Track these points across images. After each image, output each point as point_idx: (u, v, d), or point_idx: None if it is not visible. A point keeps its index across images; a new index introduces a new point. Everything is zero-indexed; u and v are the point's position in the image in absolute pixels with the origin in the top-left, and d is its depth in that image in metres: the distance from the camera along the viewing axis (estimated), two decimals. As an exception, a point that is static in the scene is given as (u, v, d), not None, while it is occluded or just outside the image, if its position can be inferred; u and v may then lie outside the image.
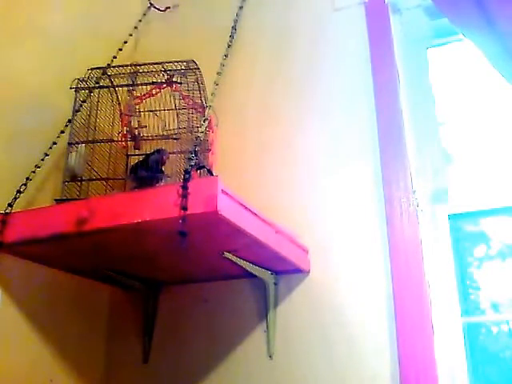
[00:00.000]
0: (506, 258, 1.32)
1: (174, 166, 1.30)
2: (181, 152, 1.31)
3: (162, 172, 1.28)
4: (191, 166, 1.02)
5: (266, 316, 1.29)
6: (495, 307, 1.30)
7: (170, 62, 1.33)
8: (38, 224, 1.09)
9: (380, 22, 1.47)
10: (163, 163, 1.27)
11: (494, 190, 1.35)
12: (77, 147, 1.30)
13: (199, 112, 1.35)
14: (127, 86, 1.36)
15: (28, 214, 1.14)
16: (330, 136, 1.42)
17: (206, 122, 1.22)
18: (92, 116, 1.35)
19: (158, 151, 1.27)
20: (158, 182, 1.25)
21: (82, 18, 1.59)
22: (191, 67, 1.33)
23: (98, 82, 1.35)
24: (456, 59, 1.55)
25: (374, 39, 1.46)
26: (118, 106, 1.40)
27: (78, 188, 1.28)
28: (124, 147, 1.40)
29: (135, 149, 1.37)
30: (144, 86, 1.34)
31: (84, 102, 1.33)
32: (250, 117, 1.55)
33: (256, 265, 1.24)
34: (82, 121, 1.34)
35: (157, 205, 0.98)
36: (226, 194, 0.96)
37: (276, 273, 1.31)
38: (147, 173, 1.24)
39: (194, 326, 1.38)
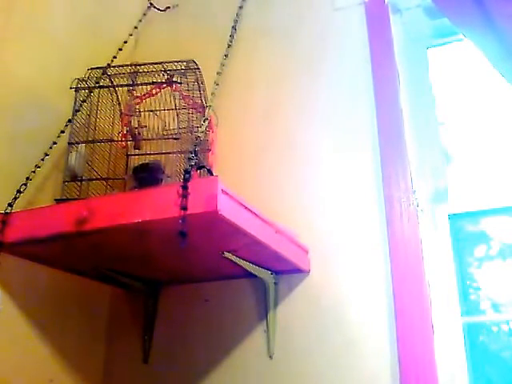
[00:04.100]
0: (506, 258, 1.32)
1: (174, 165, 1.30)
2: (181, 152, 1.31)
3: (163, 172, 1.28)
4: (191, 165, 1.01)
5: (266, 316, 1.29)
6: (495, 307, 1.30)
7: (170, 62, 1.33)
8: (38, 224, 1.09)
9: (380, 22, 1.47)
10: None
11: (494, 190, 1.35)
12: (77, 147, 1.30)
13: (199, 112, 1.35)
14: (127, 85, 1.36)
15: (28, 213, 1.14)
16: (330, 136, 1.42)
17: (206, 122, 1.22)
18: (92, 116, 1.35)
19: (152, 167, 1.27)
20: (157, 183, 1.25)
21: (82, 17, 1.59)
22: (191, 67, 1.33)
23: (98, 82, 1.35)
24: (456, 59, 1.55)
25: (373, 39, 1.46)
26: (117, 106, 1.40)
27: (78, 188, 1.28)
28: (124, 147, 1.40)
29: (135, 149, 1.36)
30: (144, 86, 1.34)
31: (84, 101, 1.33)
32: (249, 117, 1.55)
33: (256, 265, 1.24)
34: (82, 121, 1.34)
35: (157, 205, 0.98)
36: (226, 193, 0.96)
37: (276, 273, 1.31)
38: (148, 173, 1.24)
39: (194, 326, 1.38)
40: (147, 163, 1.28)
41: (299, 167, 1.42)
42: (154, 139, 1.35)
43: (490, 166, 1.40)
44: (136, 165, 1.32)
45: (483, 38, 1.16)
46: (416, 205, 1.25)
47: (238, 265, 1.19)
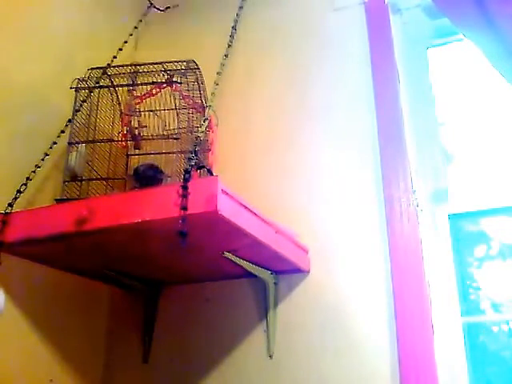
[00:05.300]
0: (506, 258, 1.32)
1: (174, 165, 1.30)
2: (181, 152, 1.31)
3: (163, 172, 1.28)
4: (191, 165, 1.02)
5: (266, 316, 1.29)
6: (495, 307, 1.30)
7: (170, 62, 1.33)
8: (38, 224, 1.09)
9: (380, 22, 1.47)
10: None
11: (494, 190, 1.35)
12: (77, 147, 1.30)
13: (199, 112, 1.35)
14: (127, 85, 1.36)
15: (28, 213, 1.14)
16: (330, 136, 1.42)
17: (206, 122, 1.22)
18: (92, 116, 1.35)
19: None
20: (158, 183, 1.25)
21: (82, 17, 1.59)
22: (191, 67, 1.33)
23: (98, 82, 1.35)
24: (456, 59, 1.55)
25: (373, 39, 1.46)
26: (118, 106, 1.40)
27: (78, 188, 1.28)
28: (124, 147, 1.40)
29: (135, 149, 1.37)
30: (144, 86, 1.34)
31: (84, 101, 1.33)
32: (249, 117, 1.55)
33: (256, 265, 1.24)
34: (82, 121, 1.34)
35: (157, 205, 0.98)
36: (226, 193, 0.96)
37: (276, 273, 1.31)
38: (151, 170, 1.25)
39: (194, 326, 1.38)
40: (146, 167, 1.28)
41: (299, 167, 1.42)
42: (154, 139, 1.35)
43: (490, 166, 1.39)
44: (136, 166, 1.32)
45: (483, 38, 1.16)
46: (416, 205, 1.25)
47: (238, 265, 1.19)
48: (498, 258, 1.34)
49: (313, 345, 1.23)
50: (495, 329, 1.29)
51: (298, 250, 1.27)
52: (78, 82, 1.35)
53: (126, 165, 1.39)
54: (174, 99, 1.35)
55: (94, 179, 1.32)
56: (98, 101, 1.36)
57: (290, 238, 1.22)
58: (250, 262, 1.22)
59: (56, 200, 1.26)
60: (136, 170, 1.28)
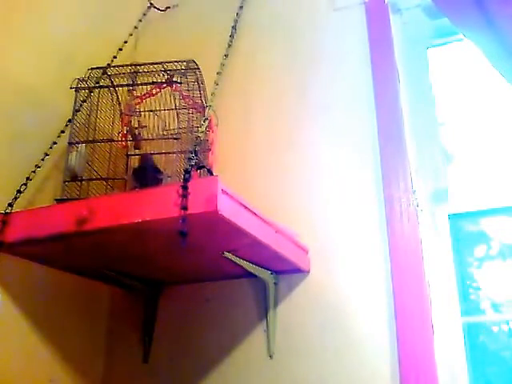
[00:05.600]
0: (506, 258, 1.32)
1: (174, 165, 1.30)
2: (181, 152, 1.30)
3: (161, 172, 1.28)
4: (191, 165, 1.02)
5: (266, 316, 1.29)
6: (495, 307, 1.30)
7: (170, 62, 1.33)
8: (38, 224, 1.09)
9: (380, 22, 1.47)
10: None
11: (494, 190, 1.35)
12: (77, 147, 1.30)
13: (199, 112, 1.35)
14: (127, 85, 1.35)
15: (28, 213, 1.14)
16: (330, 136, 1.42)
17: (206, 122, 1.22)
18: (92, 116, 1.35)
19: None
20: (158, 183, 1.25)
21: (82, 17, 1.59)
22: (191, 67, 1.33)
23: (98, 82, 1.35)
24: (456, 59, 1.55)
25: (373, 39, 1.46)
26: (118, 106, 1.40)
27: (78, 188, 1.28)
28: (124, 147, 1.40)
29: (135, 149, 1.36)
30: (144, 86, 1.34)
31: (84, 101, 1.33)
32: (249, 117, 1.55)
33: (256, 265, 1.24)
34: (82, 121, 1.34)
35: (157, 205, 0.98)
36: (226, 193, 0.96)
37: (276, 273, 1.31)
38: (151, 170, 1.25)
39: (194, 326, 1.38)
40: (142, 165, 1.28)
41: (299, 167, 1.42)
42: (154, 139, 1.34)
43: (490, 166, 1.40)
44: (135, 166, 1.32)
45: (483, 38, 1.16)
46: (416, 205, 1.25)
47: (238, 265, 1.19)
48: (498, 258, 1.34)
49: (313, 345, 1.23)
50: (495, 329, 1.29)
51: (298, 249, 1.27)
52: (78, 82, 1.35)
53: (126, 165, 1.39)
54: (174, 99, 1.35)
55: (94, 179, 1.32)
56: (98, 101, 1.36)
57: (289, 237, 1.22)
58: (250, 261, 1.22)
59: (56, 200, 1.26)
60: (136, 170, 1.29)
